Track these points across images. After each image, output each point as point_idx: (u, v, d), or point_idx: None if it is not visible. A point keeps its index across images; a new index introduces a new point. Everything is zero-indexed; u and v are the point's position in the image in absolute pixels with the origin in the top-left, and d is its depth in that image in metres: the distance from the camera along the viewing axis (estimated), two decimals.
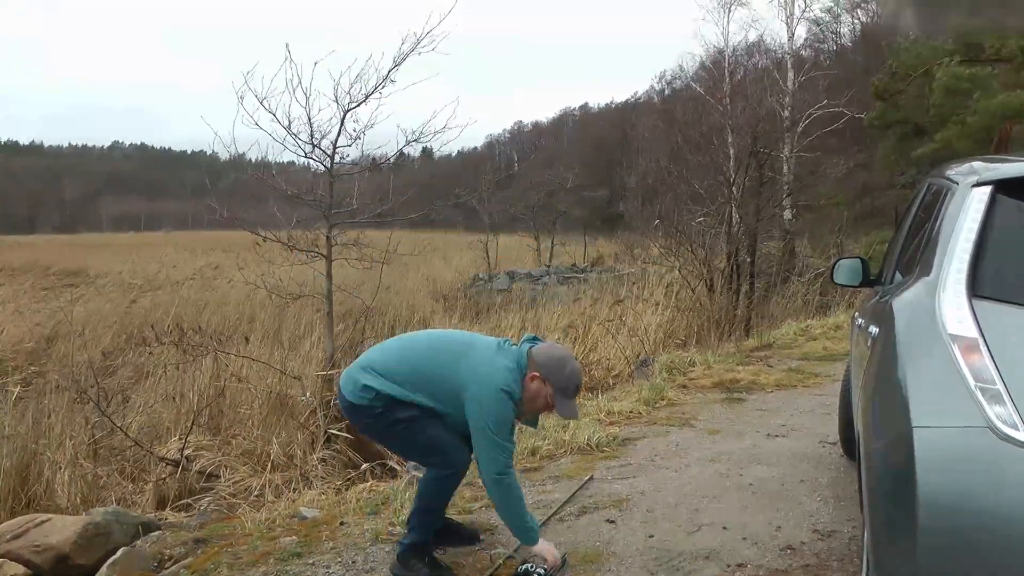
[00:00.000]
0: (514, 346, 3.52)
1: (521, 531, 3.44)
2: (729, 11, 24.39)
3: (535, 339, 3.57)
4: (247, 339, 10.02)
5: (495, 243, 30.18)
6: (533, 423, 3.86)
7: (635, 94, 59.63)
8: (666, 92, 43.94)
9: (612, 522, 4.02)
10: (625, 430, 5.82)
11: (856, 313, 4.50)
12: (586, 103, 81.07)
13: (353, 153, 7.49)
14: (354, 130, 7.06)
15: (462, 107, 7.01)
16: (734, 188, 13.39)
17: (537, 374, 3.38)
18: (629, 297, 13.42)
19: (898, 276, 3.26)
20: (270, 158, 7.54)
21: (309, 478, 5.74)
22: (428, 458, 3.57)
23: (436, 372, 3.43)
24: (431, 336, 3.93)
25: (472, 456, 3.50)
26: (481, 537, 3.82)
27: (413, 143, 7.28)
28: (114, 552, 4.08)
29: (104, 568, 3.98)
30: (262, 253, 7.75)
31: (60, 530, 4.30)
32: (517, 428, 3.71)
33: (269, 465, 5.84)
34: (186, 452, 6.08)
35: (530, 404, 3.43)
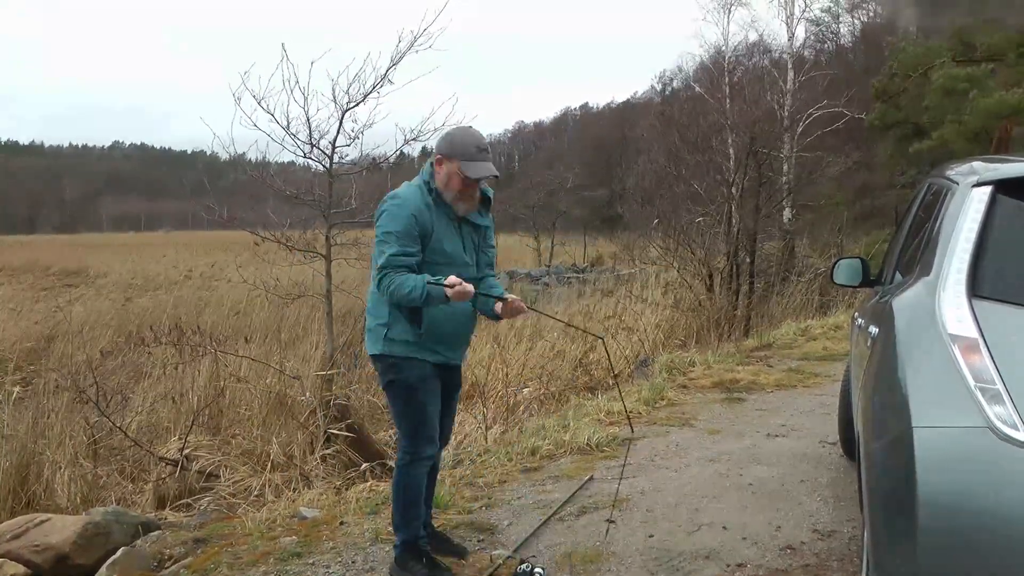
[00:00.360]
0: None
1: (416, 299, 3.24)
2: (729, 11, 24.39)
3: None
4: (246, 339, 10.03)
5: (495, 243, 30.15)
6: (481, 214, 3.55)
7: (635, 94, 59.70)
8: (666, 92, 43.95)
9: (612, 522, 4.02)
10: (625, 430, 5.82)
11: (856, 313, 4.50)
12: (587, 103, 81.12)
13: (352, 153, 7.48)
14: (353, 130, 7.06)
15: (461, 105, 7.02)
16: (733, 188, 13.39)
17: (439, 156, 3.36)
18: (628, 297, 13.43)
19: (898, 276, 3.26)
20: (269, 158, 7.54)
21: (309, 478, 5.74)
22: (400, 428, 3.57)
23: None
24: None
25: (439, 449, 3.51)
26: (468, 554, 3.68)
27: (412, 142, 7.28)
28: (114, 552, 4.08)
29: (104, 568, 3.98)
30: (261, 253, 7.75)
31: (60, 530, 4.30)
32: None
33: (269, 465, 5.84)
34: (186, 452, 6.08)
35: (448, 190, 3.35)
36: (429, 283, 3.18)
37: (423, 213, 3.32)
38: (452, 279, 3.18)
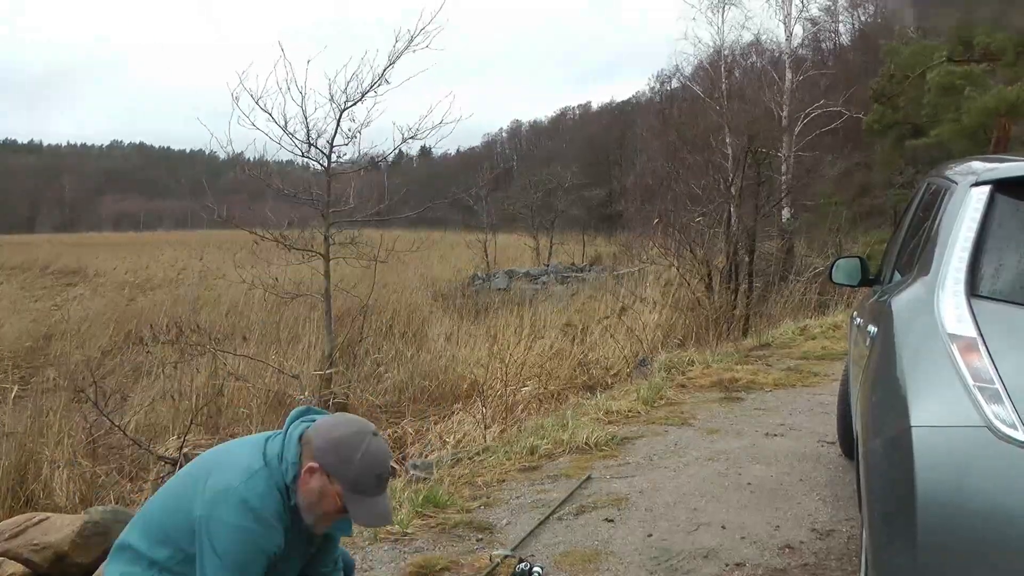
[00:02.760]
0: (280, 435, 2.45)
1: None
2: (722, 11, 24.38)
3: (310, 412, 2.50)
4: (245, 338, 10.04)
5: (494, 242, 30.19)
6: (346, 529, 2.55)
7: (634, 93, 59.71)
8: (664, 91, 43.95)
9: (611, 521, 4.02)
10: (624, 429, 5.82)
11: (855, 312, 4.50)
12: (585, 102, 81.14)
13: (350, 152, 7.51)
14: (350, 129, 7.08)
15: (458, 104, 7.06)
16: (732, 188, 13.40)
17: (315, 465, 2.30)
18: (627, 296, 13.44)
19: (897, 275, 3.26)
20: (267, 157, 7.56)
21: None
22: None
23: (170, 512, 2.40)
24: (183, 471, 2.63)
25: None
26: None
27: (409, 140, 7.30)
28: None
29: (103, 567, 3.98)
30: (260, 252, 7.76)
31: (59, 529, 4.30)
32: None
33: None
34: (185, 450, 6.09)
35: (313, 510, 2.34)
36: None
37: (279, 546, 2.33)
38: None
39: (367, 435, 2.35)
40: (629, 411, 6.32)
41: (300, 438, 2.36)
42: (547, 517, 4.11)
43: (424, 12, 6.90)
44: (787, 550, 3.64)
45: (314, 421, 2.42)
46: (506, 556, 3.61)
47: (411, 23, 6.98)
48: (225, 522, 2.24)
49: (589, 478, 4.71)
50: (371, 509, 2.35)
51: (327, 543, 2.58)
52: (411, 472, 5.00)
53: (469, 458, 5.34)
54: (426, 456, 6.34)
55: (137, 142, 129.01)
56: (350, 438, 2.33)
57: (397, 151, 7.86)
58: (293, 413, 2.48)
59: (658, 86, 43.28)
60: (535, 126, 78.47)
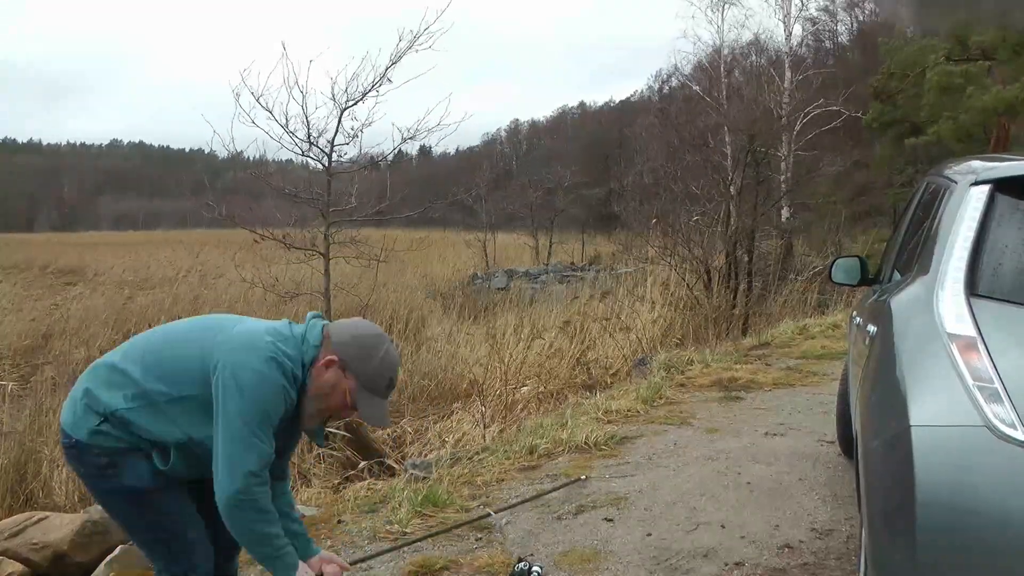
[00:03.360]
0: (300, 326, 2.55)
1: (275, 565, 2.43)
2: (722, 10, 24.39)
3: (320, 317, 2.59)
4: None
5: (493, 241, 30.24)
6: (319, 436, 2.72)
7: (633, 92, 59.71)
8: (663, 91, 43.92)
9: (610, 521, 4.03)
10: (623, 429, 5.82)
11: (854, 312, 4.50)
12: (585, 102, 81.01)
13: (351, 151, 7.51)
14: (352, 128, 7.08)
15: (458, 104, 7.07)
16: (731, 187, 13.40)
17: (334, 358, 2.42)
18: (627, 296, 13.43)
19: (896, 275, 3.26)
20: (268, 156, 7.56)
21: (307, 476, 5.74)
22: (153, 551, 2.55)
23: (179, 352, 2.45)
24: (192, 320, 2.71)
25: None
26: None
27: (409, 140, 7.31)
28: (112, 550, 4.08)
29: (102, 566, 3.98)
30: (260, 251, 7.76)
31: (58, 528, 4.30)
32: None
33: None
34: None
35: (321, 400, 2.45)
36: (277, 547, 2.39)
37: (286, 410, 2.42)
38: (302, 569, 2.44)
39: (386, 340, 2.51)
40: (628, 410, 6.32)
41: (321, 330, 2.47)
42: (531, 499, 4.16)
43: (428, 12, 6.89)
44: (786, 549, 3.64)
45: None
46: (488, 515, 3.56)
47: (412, 23, 6.99)
48: (252, 367, 2.32)
49: (580, 478, 4.68)
50: (377, 409, 2.49)
51: (288, 445, 2.63)
52: (410, 471, 4.99)
53: (468, 457, 5.33)
54: (425, 455, 6.34)
55: (137, 141, 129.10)
56: (371, 339, 2.48)
57: (397, 151, 7.86)
58: (310, 313, 2.58)
59: (657, 86, 43.33)
60: (534, 126, 78.45)
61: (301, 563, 2.47)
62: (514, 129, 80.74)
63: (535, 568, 3.38)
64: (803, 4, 24.58)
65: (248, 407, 2.29)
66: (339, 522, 4.17)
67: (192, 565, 2.50)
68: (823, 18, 33.96)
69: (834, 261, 4.50)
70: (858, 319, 3.90)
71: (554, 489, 4.52)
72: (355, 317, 2.69)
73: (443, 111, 7.08)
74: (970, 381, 2.04)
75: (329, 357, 2.41)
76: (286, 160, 10.44)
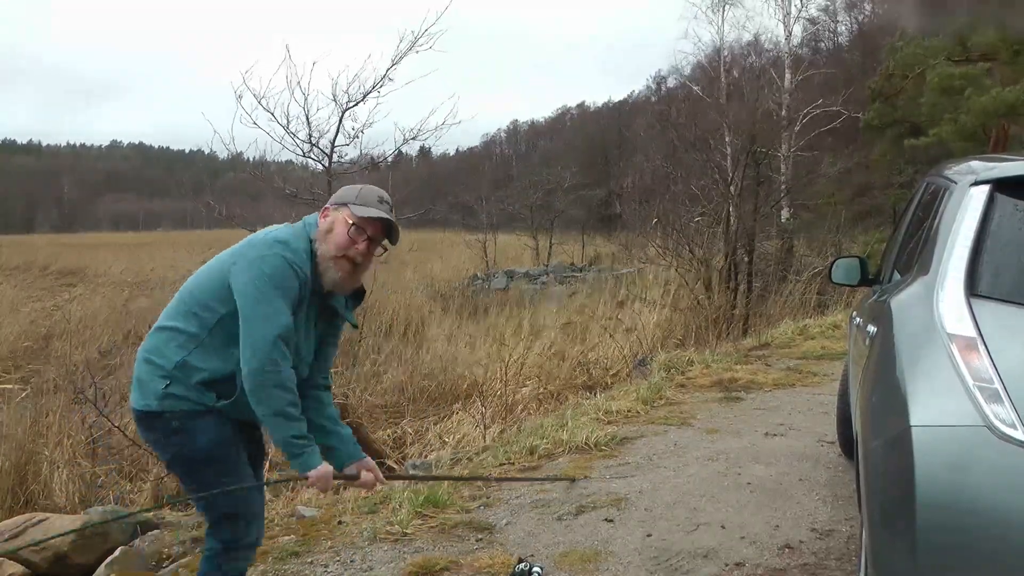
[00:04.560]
0: None
1: (292, 447, 2.57)
2: (723, 10, 24.38)
3: None
4: None
5: (493, 242, 30.22)
6: (350, 312, 2.82)
7: (632, 93, 59.67)
8: (663, 91, 43.94)
9: (610, 521, 4.02)
10: (623, 429, 5.82)
11: (854, 312, 4.50)
12: (583, 102, 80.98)
13: (351, 152, 7.51)
14: (352, 129, 7.09)
15: (461, 106, 7.07)
16: (731, 187, 13.40)
17: (328, 207, 2.69)
18: (626, 296, 13.44)
19: (896, 275, 3.26)
20: (269, 157, 7.56)
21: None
22: (211, 512, 2.70)
23: (203, 284, 2.64)
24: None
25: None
26: None
27: (411, 141, 7.31)
28: (112, 551, 4.09)
29: (102, 567, 3.99)
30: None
31: (58, 529, 4.30)
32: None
33: (267, 464, 5.84)
34: None
35: (329, 242, 2.60)
36: (303, 439, 2.55)
37: (302, 284, 2.57)
38: (322, 470, 2.60)
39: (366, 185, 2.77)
40: (628, 411, 6.32)
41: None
42: (509, 480, 4.33)
43: (429, 13, 6.90)
44: (787, 550, 3.64)
45: None
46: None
47: (413, 23, 7.00)
48: (255, 253, 2.54)
49: (575, 480, 4.67)
50: (372, 210, 2.64)
51: (331, 336, 2.81)
52: (410, 472, 5.00)
53: (468, 458, 5.34)
54: (425, 456, 6.35)
55: (136, 142, 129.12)
56: (353, 185, 2.77)
57: (397, 151, 7.85)
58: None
59: (655, 86, 43.34)
60: (534, 126, 78.45)
61: (323, 466, 2.61)
62: (514, 130, 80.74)
63: (535, 568, 3.38)
64: (803, 4, 24.56)
65: (258, 281, 2.47)
66: (339, 523, 4.17)
67: (247, 530, 2.69)
68: (823, 19, 33.94)
69: (834, 261, 4.50)
70: (858, 319, 3.90)
71: (546, 479, 4.57)
72: None
73: (447, 112, 7.08)
74: (970, 381, 2.04)
75: (323, 208, 2.69)
76: (286, 161, 10.46)
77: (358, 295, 2.83)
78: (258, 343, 2.44)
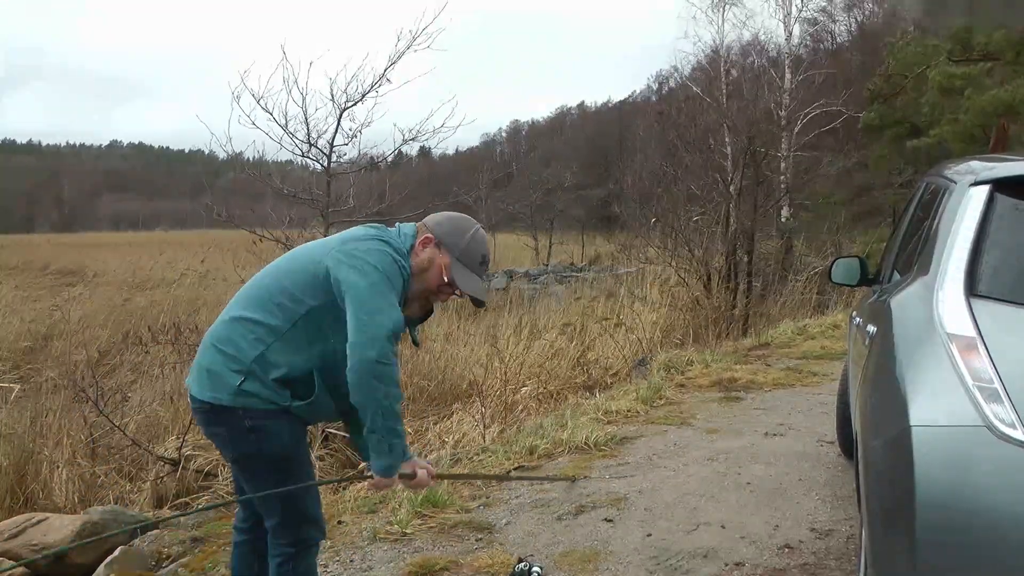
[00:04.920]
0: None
1: (393, 447, 2.46)
2: (723, 9, 24.35)
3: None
4: None
5: (493, 242, 30.14)
6: (414, 329, 2.80)
7: (632, 92, 59.67)
8: (663, 91, 43.89)
9: (610, 521, 4.03)
10: (623, 429, 5.82)
11: (854, 312, 4.50)
12: (585, 102, 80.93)
13: (350, 152, 7.51)
14: (351, 129, 7.08)
15: (461, 107, 7.05)
16: (731, 187, 13.40)
17: (431, 236, 2.59)
18: (627, 296, 13.43)
19: (896, 275, 3.26)
20: (267, 157, 7.56)
21: None
22: (271, 510, 2.62)
23: (287, 278, 2.56)
24: (285, 256, 2.79)
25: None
26: None
27: (410, 142, 7.31)
28: (112, 551, 4.09)
29: (102, 567, 3.99)
30: (259, 252, 7.76)
31: (58, 529, 4.31)
32: None
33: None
34: (184, 451, 6.09)
35: (421, 279, 2.58)
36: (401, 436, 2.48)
37: (402, 283, 2.53)
38: (424, 471, 2.58)
39: (475, 223, 2.69)
40: (628, 411, 6.32)
41: (415, 225, 2.64)
42: (494, 478, 4.33)
43: (427, 12, 6.88)
44: (786, 550, 3.64)
45: None
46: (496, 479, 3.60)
47: (412, 23, 6.99)
48: (365, 247, 2.46)
49: (575, 479, 4.67)
50: (474, 282, 2.63)
51: None
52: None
53: (468, 458, 5.34)
54: (425, 456, 6.33)
55: (136, 142, 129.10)
56: (462, 221, 2.67)
57: (396, 151, 7.84)
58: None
59: (656, 86, 43.31)
60: (534, 126, 78.41)
61: (413, 459, 2.57)
62: (514, 129, 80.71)
63: (535, 568, 3.38)
64: (803, 4, 24.56)
65: (371, 275, 2.40)
66: (339, 523, 4.18)
67: (318, 528, 2.68)
68: (822, 19, 33.91)
69: (834, 261, 4.50)
70: (858, 319, 3.90)
71: (546, 479, 4.59)
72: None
73: (448, 113, 7.07)
74: (970, 381, 2.04)
75: (426, 235, 2.58)
76: (285, 161, 10.46)
77: (426, 314, 2.83)
78: (377, 334, 2.34)
